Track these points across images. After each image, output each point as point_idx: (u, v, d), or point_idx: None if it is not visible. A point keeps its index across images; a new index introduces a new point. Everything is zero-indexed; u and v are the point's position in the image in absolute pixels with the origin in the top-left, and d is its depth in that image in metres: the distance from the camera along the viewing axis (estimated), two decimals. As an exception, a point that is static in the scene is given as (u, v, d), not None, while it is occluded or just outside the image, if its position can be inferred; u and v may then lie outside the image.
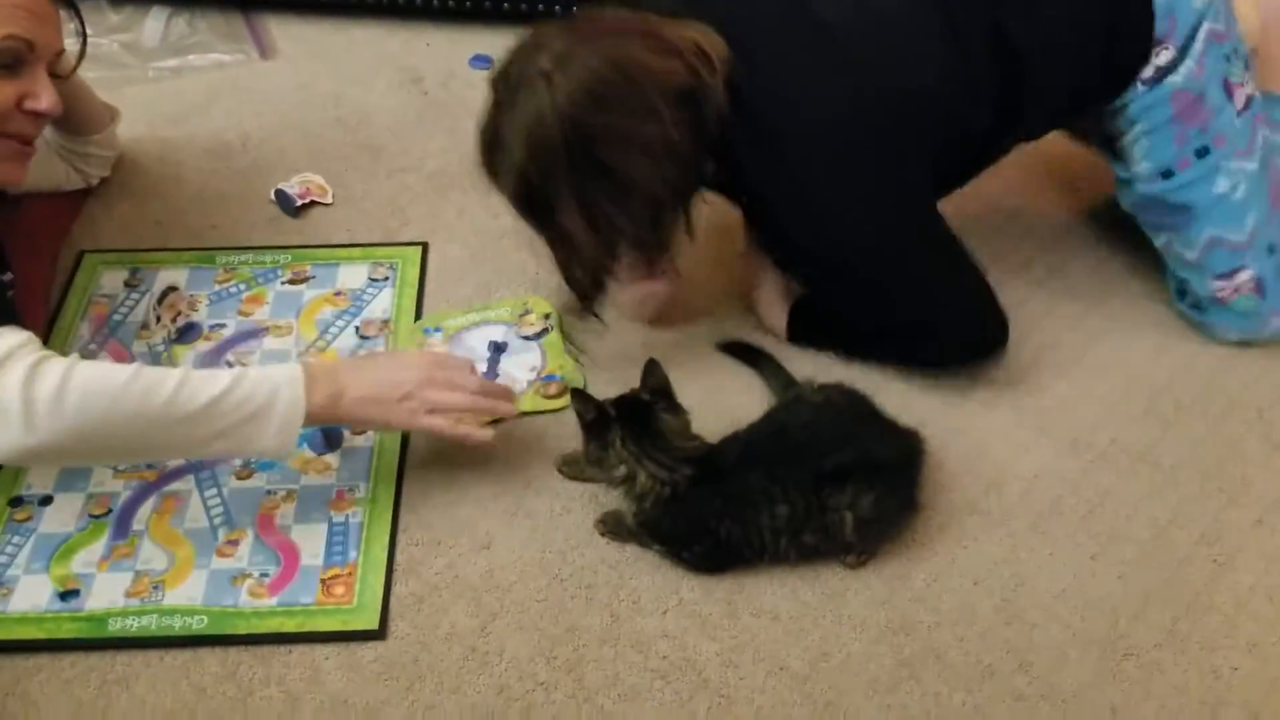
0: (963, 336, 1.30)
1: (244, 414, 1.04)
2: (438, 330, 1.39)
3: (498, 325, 1.40)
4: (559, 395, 1.31)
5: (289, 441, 1.07)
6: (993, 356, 1.31)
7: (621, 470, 1.12)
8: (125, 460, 1.21)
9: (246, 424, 1.04)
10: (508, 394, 1.23)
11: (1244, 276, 1.33)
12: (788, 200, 1.22)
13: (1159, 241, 1.40)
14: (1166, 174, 1.31)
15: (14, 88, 1.17)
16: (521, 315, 1.41)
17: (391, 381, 1.12)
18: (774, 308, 1.38)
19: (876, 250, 1.23)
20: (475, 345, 1.37)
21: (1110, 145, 1.36)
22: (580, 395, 1.14)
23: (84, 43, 1.31)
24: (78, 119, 1.46)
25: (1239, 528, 1.20)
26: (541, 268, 1.48)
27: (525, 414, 1.29)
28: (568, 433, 1.26)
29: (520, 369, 1.34)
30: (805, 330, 1.37)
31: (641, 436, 1.11)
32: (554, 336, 1.38)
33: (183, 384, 1.02)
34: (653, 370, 1.16)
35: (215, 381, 1.04)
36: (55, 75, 1.24)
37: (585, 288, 1.23)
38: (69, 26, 1.27)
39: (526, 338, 1.38)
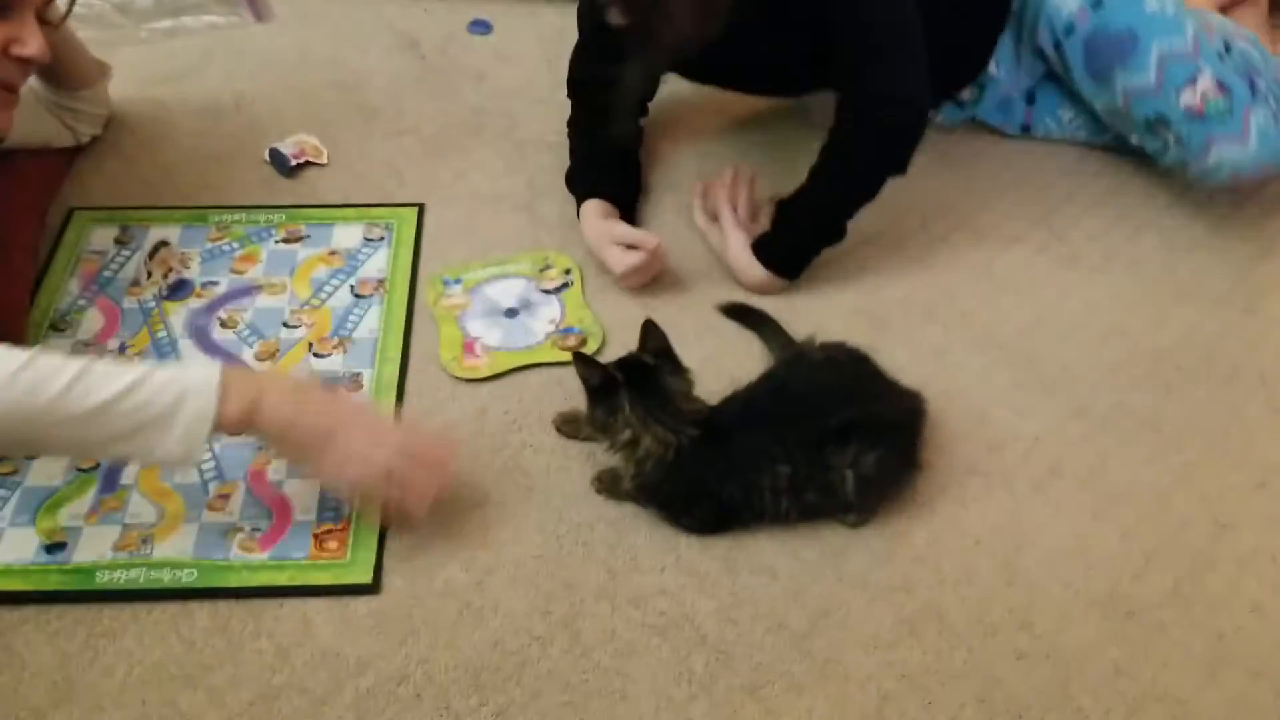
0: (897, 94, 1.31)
1: (144, 417, 0.95)
2: (457, 281, 1.38)
3: (517, 279, 1.39)
4: (577, 347, 1.30)
5: (195, 450, 0.97)
6: (915, 129, 1.33)
7: (626, 434, 1.10)
8: (13, 454, 1.14)
9: (147, 429, 0.95)
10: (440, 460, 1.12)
11: (1205, 80, 1.39)
12: None
13: (1118, 99, 1.44)
14: (1097, 3, 1.43)
15: (1, 32, 1.15)
16: (542, 269, 1.40)
17: (326, 425, 1.03)
18: (745, 260, 1.38)
19: None
20: (495, 298, 1.36)
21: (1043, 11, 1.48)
22: (583, 359, 1.11)
23: None
24: (68, 72, 1.44)
25: (1241, 491, 1.19)
26: (538, 230, 1.46)
27: (541, 365, 1.29)
28: (565, 391, 1.25)
29: (539, 321, 1.33)
30: (776, 250, 1.37)
31: (648, 399, 1.09)
32: (574, 290, 1.38)
33: (78, 379, 0.93)
34: (651, 332, 1.14)
35: (117, 379, 0.94)
36: (44, 23, 1.22)
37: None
38: None
39: (547, 291, 1.37)
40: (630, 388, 1.09)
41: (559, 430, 1.22)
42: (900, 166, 1.33)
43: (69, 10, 1.28)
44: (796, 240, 1.38)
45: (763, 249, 1.37)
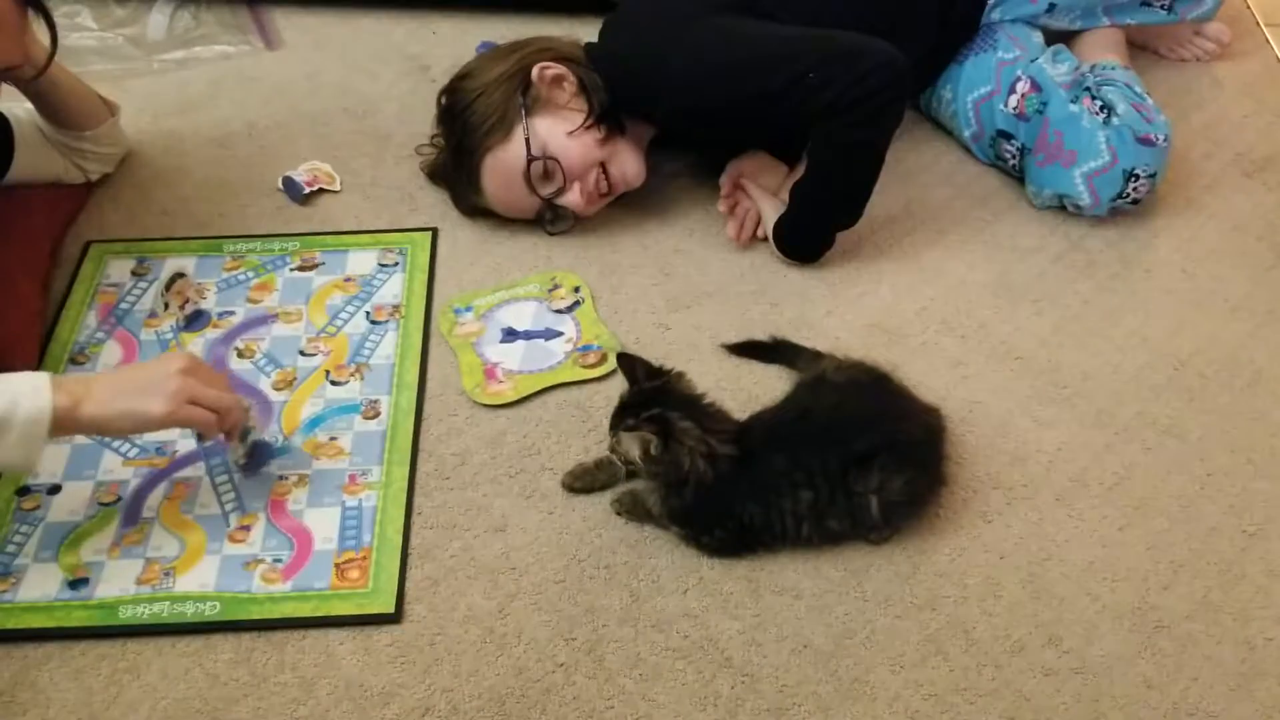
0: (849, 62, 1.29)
1: None
2: (468, 309, 1.38)
3: (528, 301, 1.39)
4: (598, 364, 1.30)
5: (34, 452, 1.01)
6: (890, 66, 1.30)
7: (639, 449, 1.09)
8: None
9: None
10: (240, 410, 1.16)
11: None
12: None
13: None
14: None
15: None
16: (551, 290, 1.40)
17: (146, 375, 1.08)
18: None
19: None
20: (508, 322, 1.37)
21: None
22: (628, 363, 1.12)
23: (54, 44, 1.28)
24: (68, 115, 1.42)
25: (1269, 498, 1.18)
26: (551, 249, 1.46)
27: (565, 384, 1.29)
28: (583, 414, 1.25)
29: (555, 342, 1.33)
30: (795, 232, 1.42)
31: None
32: (586, 308, 1.38)
33: None
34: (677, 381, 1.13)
35: None
36: (10, 81, 1.23)
37: None
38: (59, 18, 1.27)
39: (558, 311, 1.37)
40: (625, 413, 1.10)
41: (571, 489, 1.19)
42: (878, 127, 1.34)
43: (46, 65, 1.28)
44: (808, 224, 1.42)
45: (779, 238, 1.42)
